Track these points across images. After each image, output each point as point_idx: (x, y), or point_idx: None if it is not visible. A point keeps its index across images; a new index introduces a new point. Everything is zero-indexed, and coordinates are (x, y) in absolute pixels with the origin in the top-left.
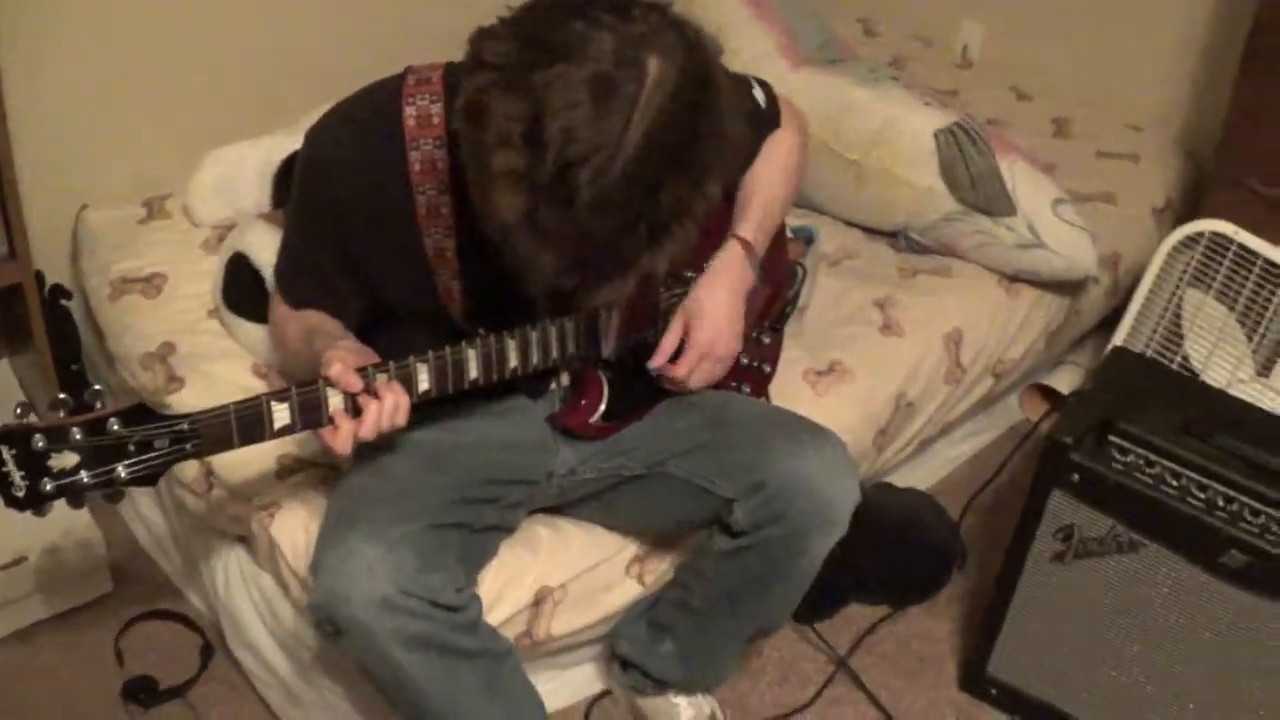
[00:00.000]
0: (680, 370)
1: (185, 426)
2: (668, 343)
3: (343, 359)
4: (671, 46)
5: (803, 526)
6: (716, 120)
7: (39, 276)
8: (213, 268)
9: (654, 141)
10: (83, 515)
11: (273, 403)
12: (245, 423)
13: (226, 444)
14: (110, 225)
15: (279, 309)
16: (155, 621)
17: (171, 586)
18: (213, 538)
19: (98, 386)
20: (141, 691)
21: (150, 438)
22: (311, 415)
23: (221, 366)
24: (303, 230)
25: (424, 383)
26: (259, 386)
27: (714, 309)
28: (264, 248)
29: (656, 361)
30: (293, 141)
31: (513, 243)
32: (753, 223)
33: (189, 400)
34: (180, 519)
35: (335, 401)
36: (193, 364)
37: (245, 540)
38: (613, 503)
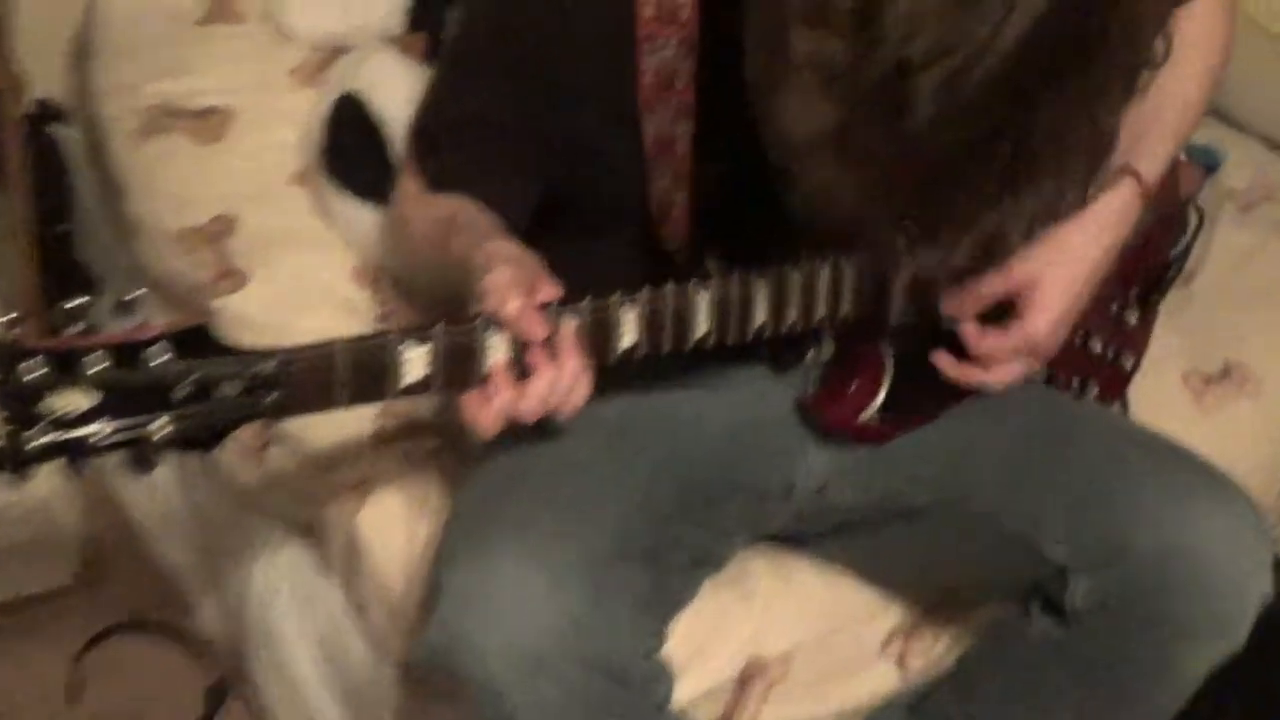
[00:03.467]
0: (983, 347)
1: (271, 367)
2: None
3: (518, 289)
4: None
5: (1181, 627)
6: (1129, 6)
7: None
8: (305, 108)
9: (1038, 38)
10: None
11: (407, 344)
12: (361, 371)
13: (325, 401)
14: (148, 21)
15: (408, 185)
16: (140, 640)
17: (173, 593)
18: (254, 525)
19: (140, 291)
20: None
21: (213, 379)
22: (460, 369)
23: (306, 261)
24: (469, 63)
25: (628, 336)
26: (361, 298)
27: (1063, 288)
28: (391, 89)
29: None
30: None
31: (804, 165)
32: (1159, 152)
33: (249, 309)
34: (208, 492)
35: (497, 352)
36: (261, 253)
37: (307, 532)
38: (874, 545)
